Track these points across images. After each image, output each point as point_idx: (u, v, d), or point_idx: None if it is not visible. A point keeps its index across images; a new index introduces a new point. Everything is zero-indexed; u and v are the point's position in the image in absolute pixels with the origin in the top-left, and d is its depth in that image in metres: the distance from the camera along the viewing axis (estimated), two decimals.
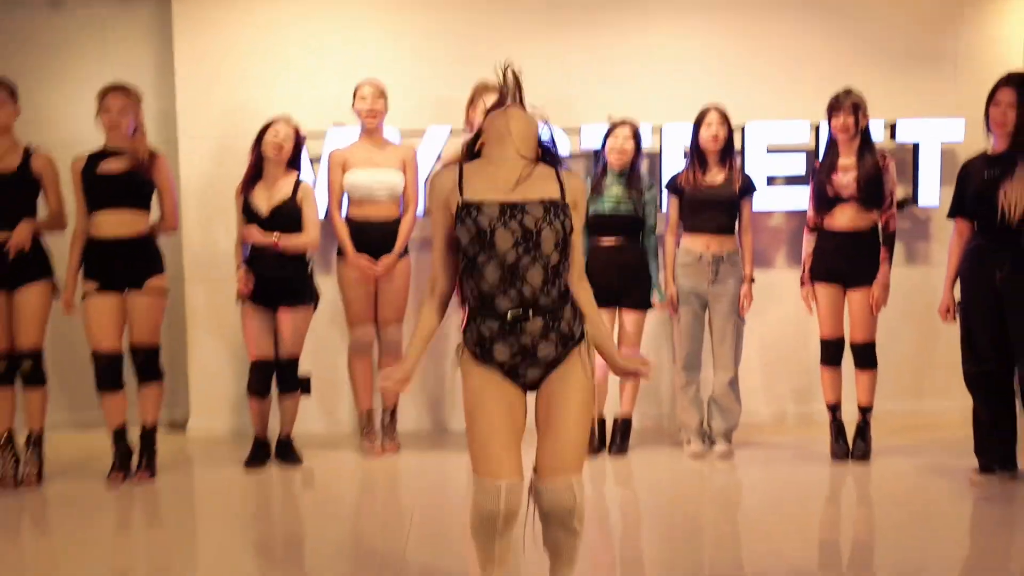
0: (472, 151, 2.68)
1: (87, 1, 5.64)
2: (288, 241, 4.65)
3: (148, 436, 4.61)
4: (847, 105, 4.55)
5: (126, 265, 4.47)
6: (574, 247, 2.58)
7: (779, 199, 5.38)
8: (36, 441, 4.52)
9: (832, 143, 4.67)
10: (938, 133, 5.35)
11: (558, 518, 2.52)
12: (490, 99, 4.64)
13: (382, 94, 4.87)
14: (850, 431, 4.79)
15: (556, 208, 2.49)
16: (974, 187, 4.18)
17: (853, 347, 4.73)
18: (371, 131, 4.89)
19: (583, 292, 2.63)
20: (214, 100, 5.47)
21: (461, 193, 2.53)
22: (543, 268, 2.46)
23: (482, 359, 2.55)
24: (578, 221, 2.58)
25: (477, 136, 2.69)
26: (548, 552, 2.64)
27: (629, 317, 4.81)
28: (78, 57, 5.70)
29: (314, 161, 5.29)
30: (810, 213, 4.77)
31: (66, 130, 5.51)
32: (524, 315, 2.48)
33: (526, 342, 2.49)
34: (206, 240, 5.52)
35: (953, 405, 4.94)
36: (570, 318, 2.54)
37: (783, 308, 5.49)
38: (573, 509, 2.50)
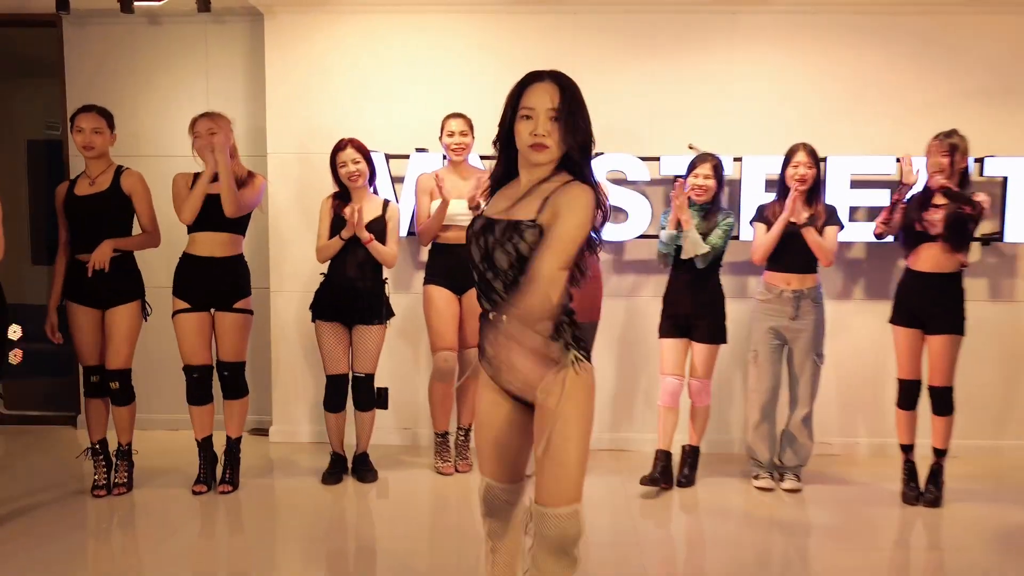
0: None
1: (184, 18, 5.81)
2: (376, 245, 4.77)
3: (232, 448, 4.82)
4: (945, 145, 4.49)
5: (216, 285, 4.65)
6: (548, 251, 2.44)
7: (861, 232, 5.30)
8: (126, 453, 4.76)
9: (928, 179, 4.61)
10: None
11: (560, 546, 2.53)
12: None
13: (469, 128, 4.95)
14: (922, 470, 4.75)
15: (517, 229, 2.51)
16: None
17: (931, 391, 4.67)
18: (457, 163, 4.98)
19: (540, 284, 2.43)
20: (301, 118, 5.61)
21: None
22: (503, 283, 2.55)
23: (481, 353, 2.70)
24: (563, 227, 2.45)
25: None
26: (533, 569, 2.61)
27: (701, 349, 4.82)
28: (176, 72, 5.89)
29: (395, 181, 5.40)
30: (880, 219, 4.77)
31: (163, 145, 5.75)
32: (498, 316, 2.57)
33: (490, 353, 2.59)
34: (292, 253, 5.69)
35: None
36: (545, 336, 2.51)
37: (861, 340, 5.46)
38: (575, 536, 2.53)
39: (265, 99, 5.64)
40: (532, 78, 2.56)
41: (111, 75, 5.88)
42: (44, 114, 7.65)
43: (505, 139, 2.63)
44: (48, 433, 5.97)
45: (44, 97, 7.10)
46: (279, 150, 5.63)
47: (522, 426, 2.66)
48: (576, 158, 2.55)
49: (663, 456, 4.86)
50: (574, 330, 2.59)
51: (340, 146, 4.81)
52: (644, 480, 4.78)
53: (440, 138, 5.01)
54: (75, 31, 5.87)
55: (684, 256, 4.70)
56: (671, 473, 4.87)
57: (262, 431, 5.87)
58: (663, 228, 4.82)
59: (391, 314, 4.98)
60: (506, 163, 2.68)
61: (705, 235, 4.72)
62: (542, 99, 2.52)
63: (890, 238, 4.84)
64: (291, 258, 5.69)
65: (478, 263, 2.60)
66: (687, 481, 4.92)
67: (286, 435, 5.79)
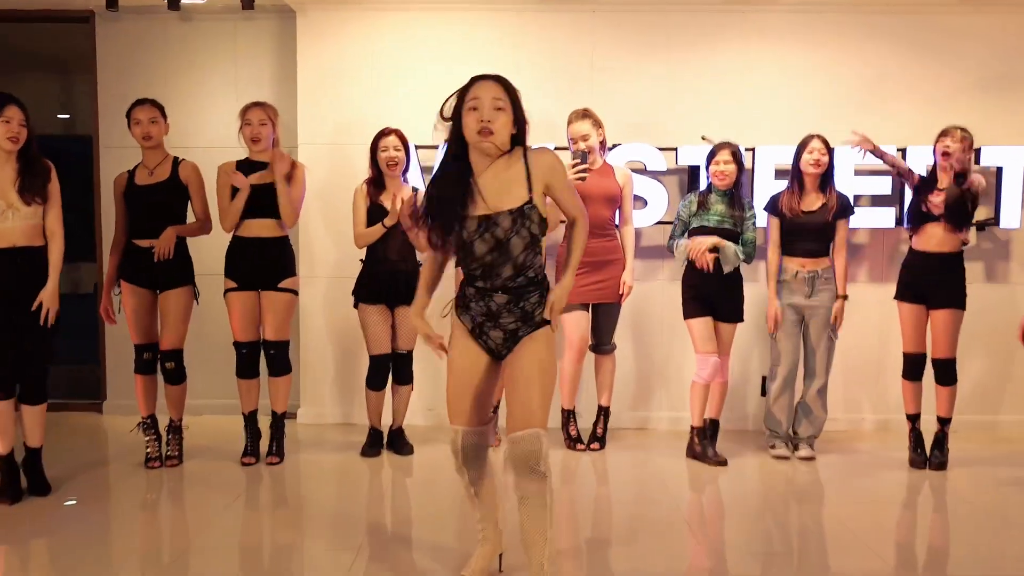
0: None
1: (214, 15, 6.06)
2: (413, 233, 4.98)
3: (277, 422, 5.04)
4: (956, 134, 4.83)
5: (263, 266, 4.88)
6: (570, 195, 3.11)
7: (865, 218, 5.65)
8: (177, 428, 4.99)
9: (936, 166, 4.95)
10: (1022, 158, 5.58)
11: (527, 464, 2.92)
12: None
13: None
14: (928, 441, 5.08)
15: (524, 215, 2.94)
16: None
17: (934, 363, 5.00)
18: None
19: (581, 224, 3.15)
20: (331, 110, 5.86)
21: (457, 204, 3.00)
22: (512, 266, 2.98)
23: (461, 311, 3.11)
24: (559, 193, 3.07)
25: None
26: (519, 499, 3.00)
27: (724, 327, 5.10)
28: (205, 68, 6.13)
29: (424, 171, 5.66)
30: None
31: (192, 137, 5.96)
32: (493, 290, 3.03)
33: (492, 308, 3.02)
34: (322, 241, 5.92)
35: None
36: (535, 302, 3.03)
37: (865, 321, 5.78)
38: (539, 452, 2.91)
39: (295, 93, 5.88)
40: (477, 78, 2.99)
41: (142, 70, 6.08)
42: (57, 108, 7.85)
43: (454, 136, 3.04)
44: (76, 419, 6.12)
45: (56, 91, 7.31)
46: (309, 141, 5.87)
47: (492, 373, 3.13)
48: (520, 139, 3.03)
49: (711, 425, 5.18)
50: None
51: (384, 133, 5.06)
52: (705, 458, 5.10)
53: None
54: (108, 27, 6.07)
55: (727, 270, 5.00)
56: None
57: (290, 415, 6.06)
58: (675, 241, 5.13)
59: None
60: (455, 159, 3.05)
61: (730, 219, 5.01)
62: (487, 91, 2.93)
63: (891, 222, 5.15)
64: (319, 246, 5.92)
65: (483, 255, 2.96)
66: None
67: (314, 417, 6.01)
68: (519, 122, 2.99)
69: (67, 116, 7.83)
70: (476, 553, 3.35)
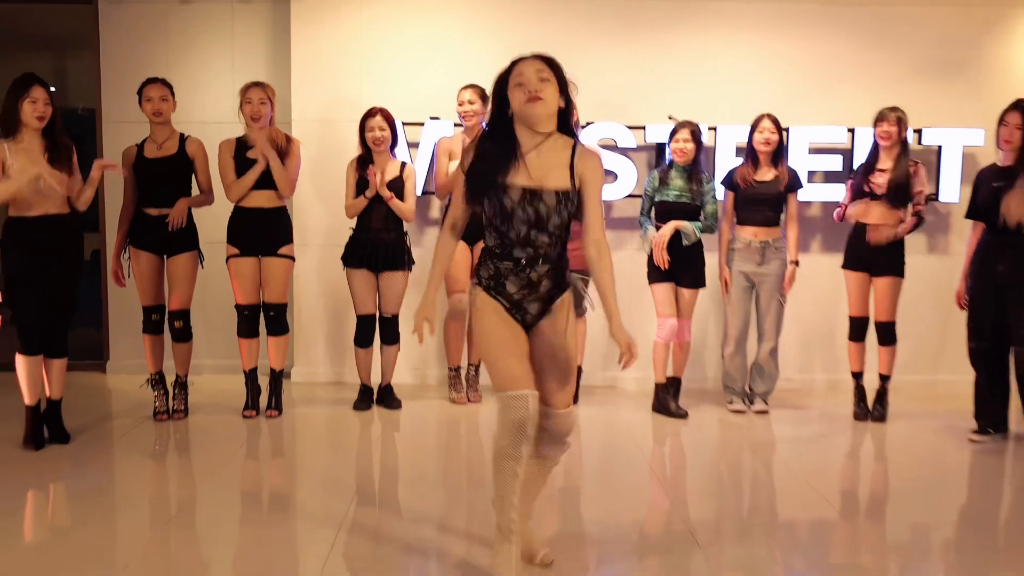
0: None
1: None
2: (396, 202, 5.44)
3: (276, 379, 5.48)
4: (892, 117, 5.28)
5: (263, 234, 5.29)
6: (597, 218, 3.04)
7: (818, 192, 6.14)
8: (183, 384, 5.41)
9: (875, 148, 5.40)
10: (960, 139, 6.08)
11: (559, 437, 3.09)
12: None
13: (479, 98, 5.59)
14: (871, 398, 5.58)
15: (568, 198, 2.96)
16: (983, 194, 4.93)
17: (877, 325, 5.49)
18: (471, 128, 5.65)
19: (604, 257, 3.05)
20: (323, 89, 6.26)
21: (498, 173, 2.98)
22: (548, 236, 2.97)
23: (495, 291, 3.04)
24: (590, 198, 3.02)
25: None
26: (539, 458, 3.11)
27: (685, 293, 5.56)
28: (205, 48, 6.49)
29: (411, 146, 6.07)
30: (844, 202, 5.53)
31: (196, 112, 6.33)
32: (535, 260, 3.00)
33: (533, 278, 3.00)
34: (314, 210, 6.33)
35: (966, 379, 5.38)
36: (564, 268, 3.06)
37: (817, 288, 6.26)
38: (571, 431, 3.11)
39: (289, 72, 6.27)
40: (519, 59, 3.01)
41: (143, 51, 6.44)
42: (58, 85, 8.16)
43: (497, 114, 3.04)
44: (81, 378, 6.47)
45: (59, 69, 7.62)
46: (303, 118, 6.27)
47: (525, 340, 3.06)
48: (567, 116, 3.03)
49: (673, 383, 5.66)
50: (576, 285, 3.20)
51: (371, 113, 5.47)
52: (668, 411, 5.57)
53: (457, 107, 5.67)
54: (110, 9, 6.43)
55: (686, 243, 5.44)
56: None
57: (285, 374, 6.49)
58: (644, 228, 5.59)
59: (412, 262, 5.66)
60: (501, 134, 3.03)
61: (688, 194, 5.46)
62: (530, 67, 2.96)
63: (843, 196, 5.62)
64: (312, 216, 6.33)
65: (521, 223, 2.94)
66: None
67: (307, 376, 6.45)
68: (565, 97, 3.00)
69: (67, 92, 8.14)
70: (502, 556, 3.01)
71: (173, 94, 5.23)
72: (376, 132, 5.45)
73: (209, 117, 6.31)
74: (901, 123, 5.29)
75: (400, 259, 5.56)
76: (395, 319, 5.63)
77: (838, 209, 5.57)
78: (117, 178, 5.36)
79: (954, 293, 5.34)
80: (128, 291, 5.50)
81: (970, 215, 5.13)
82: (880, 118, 5.33)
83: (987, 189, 4.92)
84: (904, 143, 5.36)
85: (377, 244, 5.50)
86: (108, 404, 5.89)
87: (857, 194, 5.43)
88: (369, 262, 5.52)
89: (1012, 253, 4.81)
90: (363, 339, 5.63)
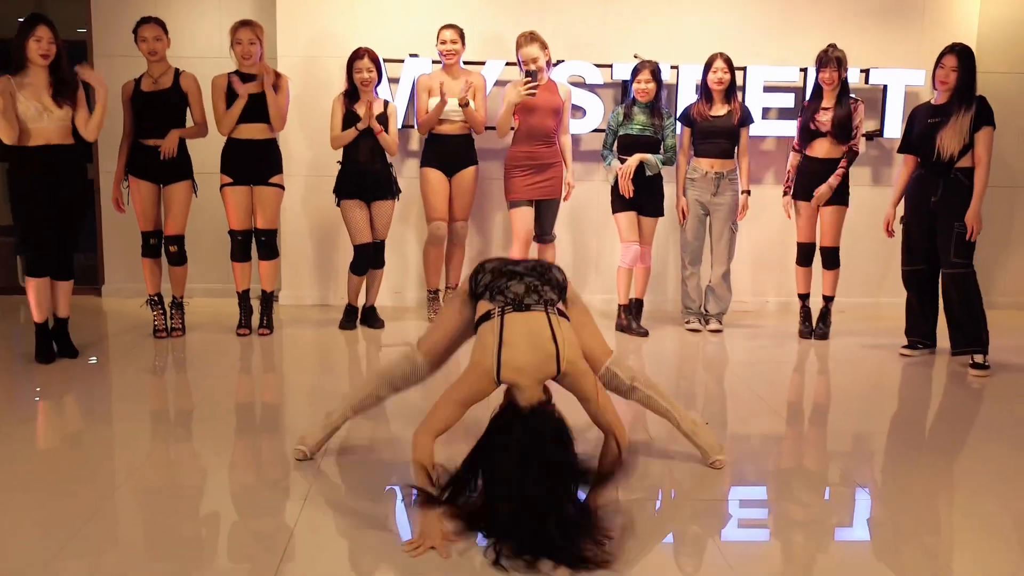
0: None
1: None
2: (384, 136, 5.79)
3: (267, 299, 5.89)
4: (832, 60, 5.67)
5: (255, 164, 5.64)
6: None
7: (772, 128, 6.57)
8: (179, 304, 5.80)
9: (817, 88, 5.80)
10: (903, 79, 6.51)
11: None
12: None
13: (460, 37, 5.93)
14: (816, 318, 6.07)
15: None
16: (919, 130, 5.35)
17: (822, 250, 5.96)
18: (450, 66, 6.00)
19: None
20: (308, 26, 6.55)
21: None
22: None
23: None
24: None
25: None
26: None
27: (646, 221, 6.00)
28: None
29: (392, 81, 6.41)
30: (795, 139, 5.95)
31: (184, 47, 6.59)
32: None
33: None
34: (297, 144, 6.66)
35: (904, 301, 5.76)
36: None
37: (770, 217, 6.71)
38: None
39: (275, 8, 6.54)
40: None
41: None
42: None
43: None
44: (79, 300, 6.59)
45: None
46: (288, 54, 6.57)
47: None
48: None
49: (636, 303, 6.12)
50: None
51: (358, 55, 5.77)
52: (630, 330, 6.01)
53: (436, 45, 6.00)
54: None
55: (650, 174, 5.83)
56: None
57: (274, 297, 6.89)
58: (608, 160, 5.96)
59: (399, 190, 6.05)
60: None
61: (651, 128, 5.85)
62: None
63: (794, 132, 6.04)
64: (297, 148, 6.66)
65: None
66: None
67: (294, 299, 6.85)
68: None
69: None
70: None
71: (167, 32, 5.52)
72: (364, 74, 5.76)
73: (199, 52, 6.60)
74: (841, 64, 5.66)
75: (388, 188, 5.94)
76: (383, 244, 6.02)
77: (794, 143, 5.98)
78: (114, 111, 5.66)
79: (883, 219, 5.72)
80: (122, 219, 5.89)
81: (902, 150, 5.54)
82: (823, 64, 5.68)
83: (922, 125, 5.34)
84: (844, 82, 5.75)
85: (366, 175, 5.86)
86: (108, 324, 6.28)
87: (804, 130, 5.83)
88: (361, 192, 5.88)
89: (944, 183, 5.26)
90: (359, 267, 5.98)
